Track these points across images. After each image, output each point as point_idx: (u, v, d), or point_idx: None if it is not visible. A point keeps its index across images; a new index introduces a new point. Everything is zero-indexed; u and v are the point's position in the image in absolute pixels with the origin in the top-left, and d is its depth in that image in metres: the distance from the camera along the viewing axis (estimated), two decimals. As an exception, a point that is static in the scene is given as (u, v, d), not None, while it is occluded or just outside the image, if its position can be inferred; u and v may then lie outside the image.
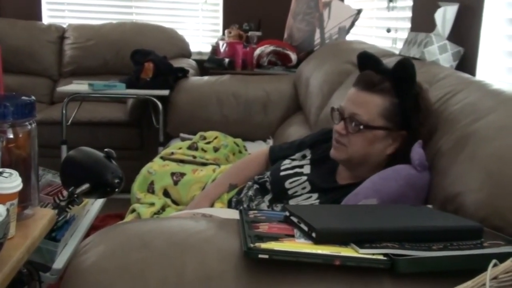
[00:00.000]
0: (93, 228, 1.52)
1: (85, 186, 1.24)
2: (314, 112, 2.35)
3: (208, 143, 2.14)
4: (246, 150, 2.23)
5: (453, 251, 0.86)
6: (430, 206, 1.16)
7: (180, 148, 2.03)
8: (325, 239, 0.87)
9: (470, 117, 1.22)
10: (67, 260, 1.30)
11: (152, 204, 1.70)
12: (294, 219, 0.96)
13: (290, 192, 1.49)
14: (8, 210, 0.82)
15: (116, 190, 1.29)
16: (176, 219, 1.11)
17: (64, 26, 3.87)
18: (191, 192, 1.74)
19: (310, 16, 3.36)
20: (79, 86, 2.88)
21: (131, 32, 3.76)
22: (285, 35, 3.57)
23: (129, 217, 1.67)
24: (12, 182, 0.88)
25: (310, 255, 0.83)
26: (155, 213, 1.65)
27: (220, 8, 4.08)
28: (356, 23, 3.28)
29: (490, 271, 0.72)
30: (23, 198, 0.96)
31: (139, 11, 4.10)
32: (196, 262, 0.87)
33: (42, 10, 4.00)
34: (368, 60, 1.43)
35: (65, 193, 1.24)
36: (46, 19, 4.02)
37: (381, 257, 0.84)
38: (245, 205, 1.55)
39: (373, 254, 0.85)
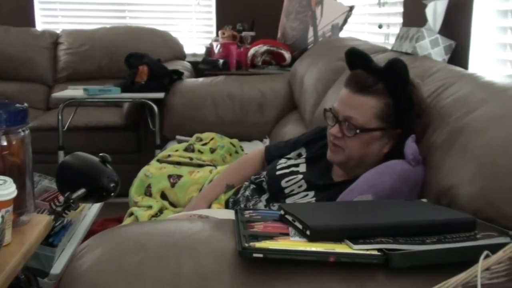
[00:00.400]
0: (92, 232, 1.52)
1: (81, 191, 1.24)
2: (309, 110, 2.35)
3: (205, 144, 2.15)
4: (242, 150, 2.24)
5: (447, 244, 0.87)
6: (424, 200, 1.17)
7: (176, 150, 2.04)
8: (319, 237, 0.88)
9: (462, 110, 1.22)
10: (64, 265, 1.30)
11: (150, 207, 1.71)
12: (289, 218, 0.97)
13: (286, 191, 1.49)
14: (3, 217, 0.82)
15: (112, 194, 1.29)
16: (171, 221, 1.12)
17: (58, 31, 3.87)
18: (189, 194, 1.74)
19: (303, 15, 3.37)
20: (74, 91, 2.89)
21: (125, 36, 3.77)
22: (279, 34, 3.57)
23: (127, 221, 1.68)
24: (7, 189, 0.88)
25: (304, 252, 0.84)
26: (153, 216, 1.66)
27: (213, 9, 4.09)
28: (349, 20, 3.29)
29: (482, 262, 0.73)
30: (19, 205, 0.96)
31: (133, 14, 4.11)
32: (192, 263, 0.88)
33: (36, 16, 4.00)
34: (357, 57, 1.42)
35: (61, 198, 1.24)
36: (39, 25, 4.02)
37: (375, 252, 0.85)
38: (242, 205, 1.56)
39: (367, 249, 0.85)
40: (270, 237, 0.89)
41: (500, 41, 1.75)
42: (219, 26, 3.95)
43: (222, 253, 0.90)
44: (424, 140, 1.32)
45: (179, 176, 1.79)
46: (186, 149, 2.05)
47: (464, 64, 1.81)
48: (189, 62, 3.76)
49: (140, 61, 2.87)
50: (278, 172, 1.56)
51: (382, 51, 2.23)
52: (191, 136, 2.28)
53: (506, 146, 1.01)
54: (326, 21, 3.28)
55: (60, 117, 2.77)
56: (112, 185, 1.28)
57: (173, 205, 1.74)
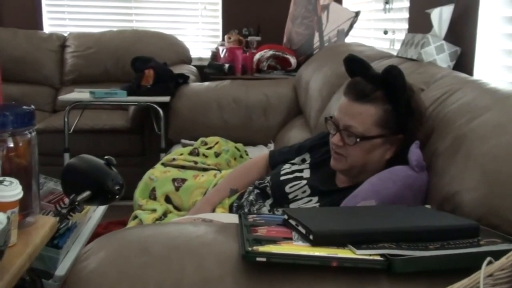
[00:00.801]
0: (96, 235, 1.53)
1: (86, 193, 1.25)
2: (314, 115, 2.36)
3: (209, 148, 2.16)
4: (247, 154, 2.24)
5: (450, 250, 0.86)
6: (428, 206, 1.17)
7: (181, 154, 2.04)
8: (322, 241, 0.88)
9: (466, 117, 1.22)
10: (69, 266, 1.31)
11: (154, 210, 1.71)
12: (292, 222, 0.97)
13: (290, 196, 1.50)
14: (9, 218, 0.83)
15: (117, 197, 1.30)
16: (175, 224, 1.12)
17: (65, 34, 3.90)
18: (193, 198, 1.75)
19: (309, 20, 3.37)
20: (81, 94, 2.90)
21: (131, 39, 3.79)
22: (284, 39, 3.58)
23: (131, 224, 1.68)
24: (13, 190, 0.89)
25: (307, 257, 0.84)
26: (157, 219, 1.66)
27: (220, 13, 4.10)
28: (355, 25, 3.29)
29: (485, 269, 0.73)
30: (24, 206, 0.97)
31: (139, 18, 4.13)
32: (195, 266, 0.88)
33: (43, 19, 4.03)
34: (355, 64, 1.42)
35: (66, 200, 1.25)
36: (47, 28, 4.05)
37: (378, 257, 0.85)
38: (246, 210, 1.56)
39: (370, 254, 0.85)
40: (273, 241, 0.89)
41: (505, 48, 1.74)
42: (225, 31, 3.96)
43: (225, 257, 0.90)
44: (428, 146, 1.32)
45: (183, 180, 1.79)
46: (191, 153, 2.06)
47: (469, 70, 1.81)
48: (195, 66, 3.77)
49: (146, 64, 2.89)
50: (282, 178, 1.56)
51: (387, 57, 2.23)
52: (196, 140, 2.29)
53: (509, 153, 1.01)
54: (332, 26, 3.28)
55: (66, 120, 2.79)
56: (117, 187, 1.28)
57: (177, 208, 1.75)
